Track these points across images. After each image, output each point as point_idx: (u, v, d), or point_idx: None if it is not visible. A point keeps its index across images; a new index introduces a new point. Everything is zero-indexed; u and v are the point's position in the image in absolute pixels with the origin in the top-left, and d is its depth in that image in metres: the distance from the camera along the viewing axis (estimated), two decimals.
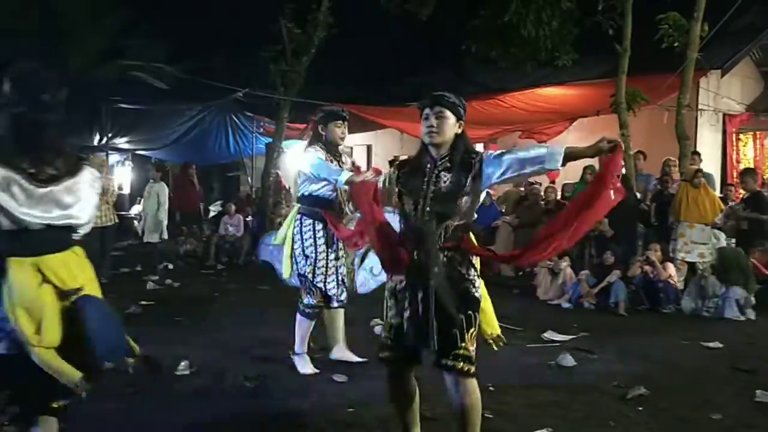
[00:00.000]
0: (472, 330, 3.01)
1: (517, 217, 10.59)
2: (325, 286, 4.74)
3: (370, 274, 4.97)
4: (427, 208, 3.02)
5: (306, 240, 4.71)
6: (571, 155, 2.97)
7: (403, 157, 3.56)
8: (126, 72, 15.71)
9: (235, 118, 15.72)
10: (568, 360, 5.23)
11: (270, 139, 14.42)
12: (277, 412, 4.11)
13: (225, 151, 16.27)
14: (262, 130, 15.73)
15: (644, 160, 10.15)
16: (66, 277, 2.44)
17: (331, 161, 4.66)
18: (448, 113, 3.07)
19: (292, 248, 4.77)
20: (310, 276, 4.71)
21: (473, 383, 3.02)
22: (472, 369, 2.99)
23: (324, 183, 4.62)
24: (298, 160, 4.87)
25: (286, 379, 4.73)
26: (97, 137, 14.49)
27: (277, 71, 13.08)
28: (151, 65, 15.87)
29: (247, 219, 12.66)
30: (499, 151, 3.11)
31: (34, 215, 2.39)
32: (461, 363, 2.96)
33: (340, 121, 4.73)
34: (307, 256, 4.71)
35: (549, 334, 6.19)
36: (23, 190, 2.37)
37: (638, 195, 9.20)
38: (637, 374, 4.92)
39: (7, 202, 2.34)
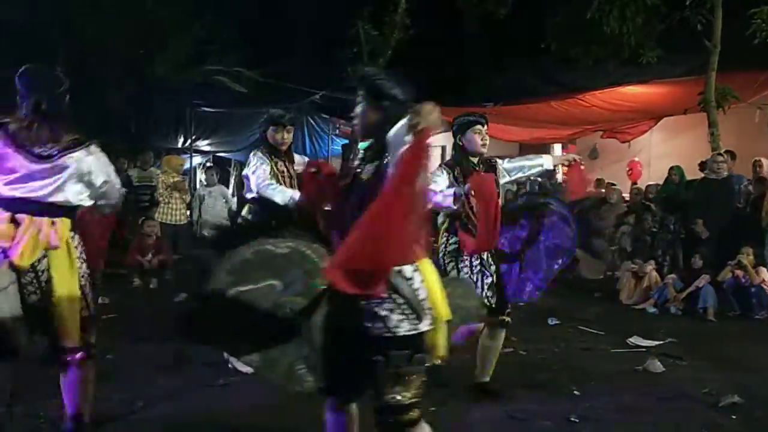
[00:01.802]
0: None
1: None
2: None
3: None
4: None
5: None
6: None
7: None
8: (208, 77, 16.18)
9: (311, 120, 15.94)
10: (656, 366, 5.07)
11: (347, 140, 14.58)
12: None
13: (300, 153, 16.47)
14: (338, 131, 15.91)
15: (733, 160, 9.72)
16: None
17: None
18: None
19: None
20: None
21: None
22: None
23: None
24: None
25: None
26: (182, 139, 15.03)
27: (354, 73, 13.18)
28: (232, 69, 16.27)
29: None
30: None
31: None
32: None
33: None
34: None
35: (634, 339, 6.01)
36: None
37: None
38: (730, 382, 4.73)
39: None
